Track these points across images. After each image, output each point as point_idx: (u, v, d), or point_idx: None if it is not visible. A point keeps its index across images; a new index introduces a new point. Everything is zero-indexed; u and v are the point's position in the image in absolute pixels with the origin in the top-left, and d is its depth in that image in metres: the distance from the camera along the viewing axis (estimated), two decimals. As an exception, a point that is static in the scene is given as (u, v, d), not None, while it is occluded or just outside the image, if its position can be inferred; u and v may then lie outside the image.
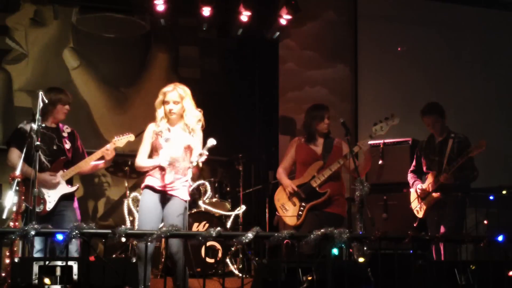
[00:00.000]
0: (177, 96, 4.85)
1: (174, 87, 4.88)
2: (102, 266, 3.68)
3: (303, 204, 5.35)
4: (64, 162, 5.24)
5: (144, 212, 4.77)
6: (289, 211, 5.42)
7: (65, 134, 5.33)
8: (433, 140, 5.89)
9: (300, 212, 5.34)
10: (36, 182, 4.39)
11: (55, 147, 5.22)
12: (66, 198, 5.21)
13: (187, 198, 4.79)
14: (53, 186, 5.13)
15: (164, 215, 4.76)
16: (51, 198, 5.12)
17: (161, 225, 4.73)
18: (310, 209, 5.32)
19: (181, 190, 4.79)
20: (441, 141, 5.83)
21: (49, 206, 5.10)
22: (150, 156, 4.89)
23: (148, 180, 4.85)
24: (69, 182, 5.28)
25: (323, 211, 5.31)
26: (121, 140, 5.40)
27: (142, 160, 4.88)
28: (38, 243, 4.91)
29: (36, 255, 4.84)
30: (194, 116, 4.87)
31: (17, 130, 5.26)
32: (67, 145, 5.30)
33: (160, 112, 4.89)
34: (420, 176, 5.97)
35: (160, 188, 4.78)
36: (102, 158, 5.35)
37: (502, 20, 8.48)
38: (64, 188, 5.19)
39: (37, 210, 4.99)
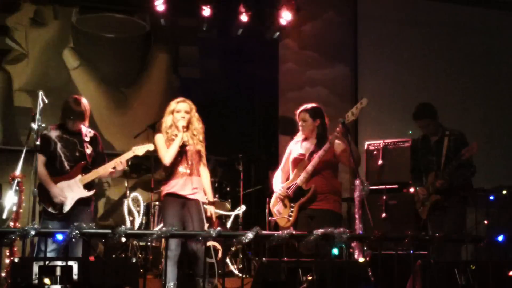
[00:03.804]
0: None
1: (184, 99, 5.31)
2: (102, 266, 3.68)
3: (292, 204, 5.34)
4: (84, 167, 5.26)
5: (169, 218, 5.07)
6: (282, 213, 5.43)
7: (87, 139, 5.34)
8: (428, 140, 5.86)
9: (290, 213, 5.34)
10: (37, 182, 4.39)
11: (77, 154, 5.25)
12: (83, 202, 5.23)
13: (204, 199, 5.21)
14: (62, 195, 5.14)
15: (184, 217, 5.08)
16: (68, 201, 5.14)
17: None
18: (300, 208, 5.31)
19: (199, 193, 5.17)
20: (436, 141, 5.79)
21: (66, 208, 5.12)
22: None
23: (167, 188, 5.17)
24: (87, 186, 5.29)
25: (312, 209, 5.28)
26: (140, 149, 5.42)
27: (167, 154, 5.14)
28: (50, 243, 4.90)
29: (49, 254, 4.82)
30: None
31: (41, 137, 5.22)
32: (88, 150, 5.31)
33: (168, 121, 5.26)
34: (420, 175, 5.95)
35: (180, 193, 5.10)
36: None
37: (502, 20, 8.48)
38: (81, 192, 5.21)
39: (53, 212, 5.03)
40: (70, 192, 5.16)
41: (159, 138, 5.25)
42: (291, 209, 5.34)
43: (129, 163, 6.64)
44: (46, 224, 4.96)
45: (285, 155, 5.68)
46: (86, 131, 5.39)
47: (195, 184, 5.17)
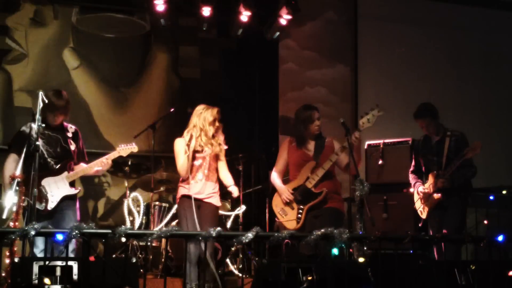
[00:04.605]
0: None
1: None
2: (102, 266, 3.68)
3: (301, 206, 5.30)
4: (70, 164, 5.24)
5: (185, 220, 5.17)
6: (288, 215, 5.37)
7: (69, 134, 5.32)
8: (430, 140, 5.86)
9: (299, 215, 5.29)
10: (36, 182, 4.39)
11: (59, 150, 5.21)
12: (68, 198, 5.21)
13: (219, 204, 5.36)
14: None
15: (199, 219, 5.13)
16: (54, 198, 5.12)
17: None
18: (308, 210, 5.29)
19: (214, 197, 5.29)
20: (438, 141, 5.80)
21: (51, 205, 5.10)
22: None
23: (183, 191, 5.27)
24: (72, 183, 5.28)
25: (323, 208, 5.26)
26: (125, 150, 5.44)
27: (182, 168, 5.25)
28: (41, 243, 4.91)
29: (39, 255, 4.84)
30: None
31: (18, 133, 5.23)
32: (72, 146, 5.28)
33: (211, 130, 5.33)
34: (421, 176, 5.95)
35: (196, 196, 5.18)
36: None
37: (502, 20, 8.48)
38: (67, 190, 5.19)
39: (39, 208, 5.02)
40: (56, 189, 5.13)
41: (178, 144, 5.32)
42: (299, 211, 5.29)
43: (130, 163, 6.68)
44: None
45: (281, 155, 5.60)
46: (68, 126, 5.35)
47: (211, 189, 5.27)
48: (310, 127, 5.43)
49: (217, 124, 5.31)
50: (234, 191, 5.43)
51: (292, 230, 5.12)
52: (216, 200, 5.29)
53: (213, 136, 5.31)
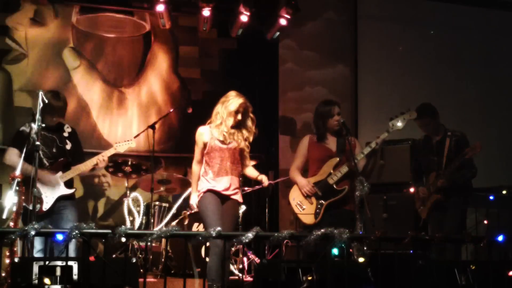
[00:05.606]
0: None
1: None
2: (102, 266, 3.68)
3: (320, 202, 5.20)
4: (64, 163, 5.23)
5: (212, 213, 4.87)
6: (306, 209, 5.24)
7: (66, 134, 5.31)
8: (430, 140, 5.87)
9: (317, 210, 5.18)
10: (36, 182, 4.39)
11: (54, 150, 5.20)
12: (65, 198, 5.20)
13: (241, 200, 5.09)
14: (51, 185, 5.12)
15: (222, 214, 4.91)
16: (48, 198, 5.11)
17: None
18: (327, 207, 5.20)
19: (238, 193, 5.06)
20: (438, 141, 5.80)
21: (46, 206, 5.09)
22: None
23: (208, 185, 4.96)
24: (68, 183, 5.26)
25: (341, 208, 5.19)
26: (122, 146, 5.40)
27: (195, 169, 5.05)
28: (38, 243, 4.92)
29: (36, 255, 4.84)
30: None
31: (18, 132, 5.23)
32: (68, 146, 5.28)
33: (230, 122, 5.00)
34: (421, 176, 5.96)
35: (222, 192, 4.94)
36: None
37: (502, 20, 8.49)
38: (62, 190, 5.18)
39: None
40: (50, 189, 5.14)
41: (197, 135, 5.02)
42: (319, 206, 5.21)
43: (130, 163, 6.68)
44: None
45: (300, 152, 5.46)
46: (65, 126, 5.35)
47: (236, 184, 5.02)
48: (329, 122, 5.31)
49: (239, 117, 4.97)
50: (264, 180, 5.07)
51: (309, 225, 5.12)
52: (239, 196, 5.07)
53: (234, 128, 4.99)
